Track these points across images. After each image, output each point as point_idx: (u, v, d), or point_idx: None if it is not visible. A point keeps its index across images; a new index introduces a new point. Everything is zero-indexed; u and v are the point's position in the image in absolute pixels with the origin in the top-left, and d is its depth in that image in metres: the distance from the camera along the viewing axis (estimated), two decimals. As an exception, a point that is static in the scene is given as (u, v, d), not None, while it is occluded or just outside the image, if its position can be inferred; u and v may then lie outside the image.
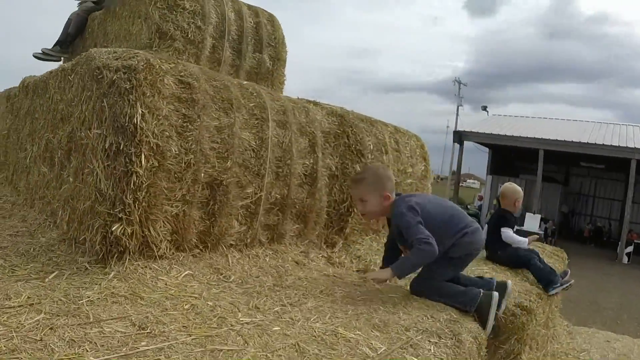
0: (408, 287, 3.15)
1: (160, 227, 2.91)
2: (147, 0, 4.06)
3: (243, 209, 3.28)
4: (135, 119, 2.72)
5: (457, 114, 35.76)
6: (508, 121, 26.63)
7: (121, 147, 2.71)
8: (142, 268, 2.80)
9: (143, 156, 2.74)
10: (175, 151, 2.89)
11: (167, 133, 2.86)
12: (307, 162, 3.64)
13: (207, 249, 3.15)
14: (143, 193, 2.77)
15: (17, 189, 3.99)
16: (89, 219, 2.82)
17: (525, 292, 3.72)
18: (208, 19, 4.30)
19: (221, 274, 3.00)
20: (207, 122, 3.03)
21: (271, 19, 5.10)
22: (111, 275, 2.66)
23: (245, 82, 3.47)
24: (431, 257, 2.79)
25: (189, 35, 4.14)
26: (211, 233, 3.15)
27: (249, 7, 4.96)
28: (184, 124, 2.94)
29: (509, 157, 26.58)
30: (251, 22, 4.80)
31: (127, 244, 2.76)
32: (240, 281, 2.98)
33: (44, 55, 5.14)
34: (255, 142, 3.29)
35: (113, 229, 2.71)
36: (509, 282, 3.15)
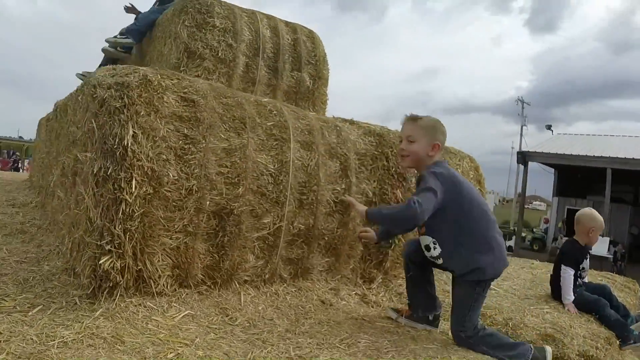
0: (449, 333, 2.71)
1: (159, 260, 2.61)
2: (177, 20, 3.89)
3: (260, 241, 2.91)
4: (125, 140, 2.46)
5: (521, 134, 34.08)
6: (573, 140, 25.07)
7: (109, 171, 2.46)
8: (134, 306, 2.52)
9: (134, 182, 2.46)
10: (174, 176, 2.59)
11: (164, 156, 2.57)
12: (338, 188, 3.21)
13: (216, 285, 2.81)
14: (136, 223, 2.49)
15: (45, 213, 3.90)
16: (80, 249, 2.59)
17: (591, 336, 3.04)
18: (240, 36, 4.06)
19: (227, 315, 2.64)
20: (213, 144, 2.72)
21: (311, 36, 4.78)
22: (98, 312, 2.40)
23: (265, 99, 3.13)
24: (407, 221, 2.49)
25: (220, 54, 3.92)
26: (221, 268, 2.80)
27: (287, 23, 4.68)
28: (186, 146, 2.64)
29: (575, 177, 25.06)
30: (288, 39, 4.51)
31: (118, 278, 2.49)
32: (247, 324, 2.60)
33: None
34: (274, 166, 2.92)
35: (101, 262, 2.44)
36: (548, 349, 2.66)
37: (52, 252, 3.12)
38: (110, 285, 2.49)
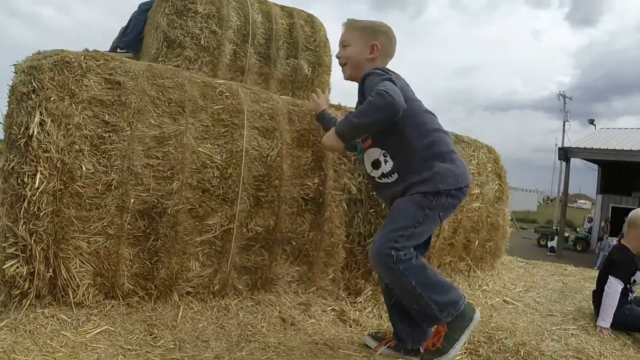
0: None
1: (76, 267, 2.29)
2: (158, 9, 3.63)
3: (205, 245, 2.52)
4: (31, 129, 2.17)
5: (564, 130, 32.04)
6: (618, 134, 23.41)
7: (13, 165, 2.18)
8: (45, 317, 2.25)
9: (38, 176, 2.16)
10: (89, 169, 2.26)
11: (77, 146, 2.24)
12: (310, 183, 2.75)
13: (151, 297, 2.44)
14: (44, 223, 2.20)
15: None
16: (-9, 254, 2.32)
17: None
18: (226, 22, 3.71)
19: (152, 334, 2.26)
20: (141, 132, 2.36)
21: (310, 20, 4.31)
22: (3, 323, 2.15)
23: (220, 81, 2.73)
24: (385, 110, 2.00)
25: (202, 42, 3.58)
26: (155, 277, 2.43)
27: (283, 7, 4.25)
28: (105, 135, 2.31)
29: (620, 173, 23.12)
30: (283, 24, 4.09)
31: (27, 286, 2.20)
32: (172, 346, 2.22)
33: None
34: (221, 157, 2.52)
35: (4, 267, 2.17)
36: (477, 313, 2.17)
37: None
38: (20, 293, 2.21)
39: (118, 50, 4.01)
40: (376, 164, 2.23)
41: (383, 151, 2.19)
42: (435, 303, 2.02)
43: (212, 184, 2.49)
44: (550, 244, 19.01)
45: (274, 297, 2.68)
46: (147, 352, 2.13)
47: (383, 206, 2.91)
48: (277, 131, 2.70)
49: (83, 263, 2.31)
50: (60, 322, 2.23)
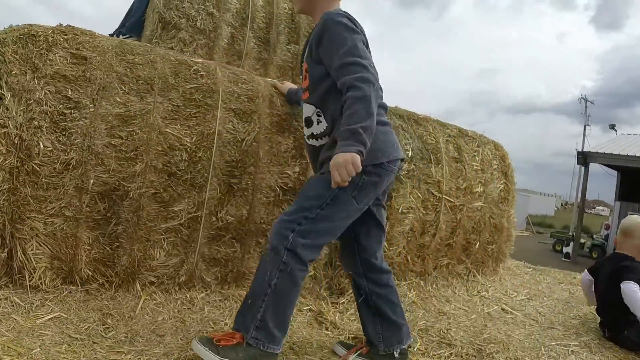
0: None
1: (32, 249, 2.20)
2: None
3: (170, 233, 2.39)
4: None
5: (584, 135, 31.26)
6: (638, 140, 22.41)
7: None
8: None
9: None
10: (48, 147, 2.17)
11: (36, 122, 2.16)
12: (290, 172, 2.59)
13: (112, 285, 2.34)
14: (0, 201, 2.11)
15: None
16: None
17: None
18: (224, 4, 3.58)
19: (104, 324, 2.14)
20: (105, 109, 2.26)
21: None
22: None
23: (198, 60, 2.60)
24: (376, 97, 1.75)
25: (198, 24, 3.47)
26: (116, 264, 2.32)
27: None
28: (67, 111, 2.22)
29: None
30: (285, 9, 3.92)
31: None
32: (123, 338, 2.11)
33: None
34: (191, 139, 2.39)
35: None
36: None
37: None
38: None
39: (120, 35, 3.96)
40: (308, 122, 2.00)
41: (317, 110, 1.94)
42: (261, 319, 1.78)
43: (180, 167, 2.37)
44: (565, 249, 18.33)
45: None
46: (94, 342, 2.02)
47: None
48: (255, 114, 2.55)
49: (40, 245, 2.22)
50: (12, 305, 2.15)
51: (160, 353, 2.02)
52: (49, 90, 2.22)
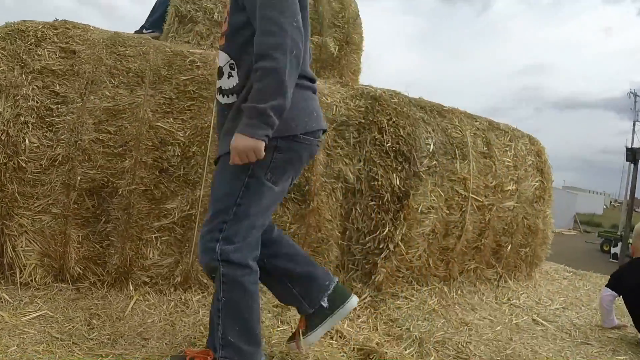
0: None
1: (22, 246, 2.17)
2: None
3: (164, 232, 2.29)
4: None
5: (633, 131, 29.31)
6: None
7: None
8: None
9: None
10: (34, 143, 2.13)
11: (23, 118, 2.13)
12: (294, 168, 2.41)
13: (104, 284, 2.27)
14: None
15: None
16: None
17: None
18: None
19: (89, 325, 2.08)
20: (93, 103, 2.19)
21: None
22: None
23: (196, 51, 2.48)
24: (282, 74, 1.45)
25: (215, 16, 3.37)
26: (107, 262, 2.25)
27: None
28: (54, 106, 2.18)
29: None
30: None
31: None
32: (106, 340, 2.03)
33: None
34: (184, 134, 2.28)
35: None
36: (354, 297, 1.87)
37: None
38: None
39: (144, 30, 3.95)
40: (219, 73, 1.69)
41: (231, 61, 1.64)
42: (223, 337, 1.62)
43: (172, 163, 2.27)
44: (613, 250, 16.88)
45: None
46: (74, 343, 1.96)
47: (386, 198, 2.51)
48: (254, 107, 2.40)
49: (29, 242, 2.20)
50: (1, 301, 2.13)
51: (140, 358, 1.92)
52: (36, 86, 2.19)
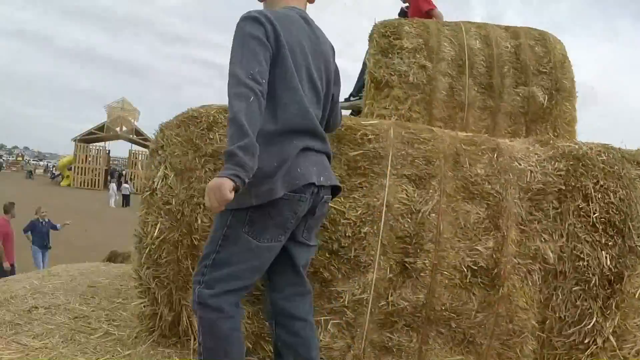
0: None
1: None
2: (367, 50, 3.52)
3: (335, 315, 2.17)
4: (156, 183, 2.24)
5: None
6: None
7: (141, 214, 2.36)
8: (163, 357, 2.34)
9: (159, 226, 2.24)
10: (206, 222, 2.24)
11: (195, 199, 2.22)
12: (481, 248, 2.11)
13: None
14: (167, 270, 2.31)
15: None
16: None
17: None
18: (437, 54, 3.31)
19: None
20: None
21: (542, 37, 3.51)
22: (126, 353, 2.31)
23: (368, 122, 2.29)
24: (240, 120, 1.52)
25: (411, 79, 3.25)
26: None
27: (507, 28, 3.57)
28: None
29: None
30: (507, 47, 3.42)
31: (150, 325, 2.34)
32: None
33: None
34: (355, 213, 2.12)
35: (133, 304, 2.30)
36: None
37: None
38: (147, 330, 2.41)
39: (351, 98, 3.99)
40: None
41: None
42: None
43: (342, 244, 2.12)
44: None
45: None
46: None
47: (593, 282, 2.08)
48: (434, 179, 2.13)
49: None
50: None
51: None
52: (208, 168, 2.25)
